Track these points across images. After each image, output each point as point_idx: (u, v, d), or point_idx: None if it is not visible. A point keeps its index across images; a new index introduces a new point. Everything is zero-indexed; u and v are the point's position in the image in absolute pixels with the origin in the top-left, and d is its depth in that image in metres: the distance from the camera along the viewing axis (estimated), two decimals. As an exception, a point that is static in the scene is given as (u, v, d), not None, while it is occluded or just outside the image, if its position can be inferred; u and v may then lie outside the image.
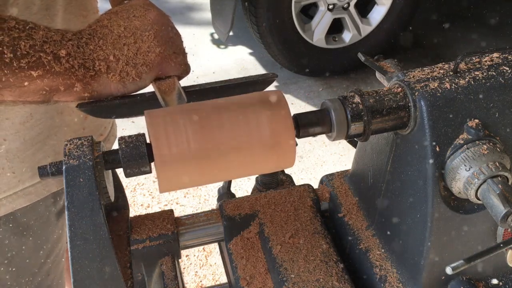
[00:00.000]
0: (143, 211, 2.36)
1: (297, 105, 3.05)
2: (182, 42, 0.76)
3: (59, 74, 0.65)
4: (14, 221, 0.90)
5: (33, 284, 0.98)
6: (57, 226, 0.99)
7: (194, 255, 2.16)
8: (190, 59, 0.76)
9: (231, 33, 3.09)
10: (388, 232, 0.75)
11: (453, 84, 0.63)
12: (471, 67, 0.66)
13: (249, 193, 0.94)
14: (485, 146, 0.61)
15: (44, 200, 0.94)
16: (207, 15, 3.37)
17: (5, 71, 0.62)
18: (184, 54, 0.75)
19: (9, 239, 0.91)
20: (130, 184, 2.48)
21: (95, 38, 0.69)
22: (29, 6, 0.78)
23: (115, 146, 1.12)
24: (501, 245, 0.57)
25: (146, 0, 0.74)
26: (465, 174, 0.60)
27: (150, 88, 0.74)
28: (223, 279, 1.96)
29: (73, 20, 0.87)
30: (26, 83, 0.63)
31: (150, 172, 0.62)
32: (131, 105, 0.72)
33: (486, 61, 0.66)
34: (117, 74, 0.69)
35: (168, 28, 0.73)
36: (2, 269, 0.92)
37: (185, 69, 0.76)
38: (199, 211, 0.86)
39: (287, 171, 0.99)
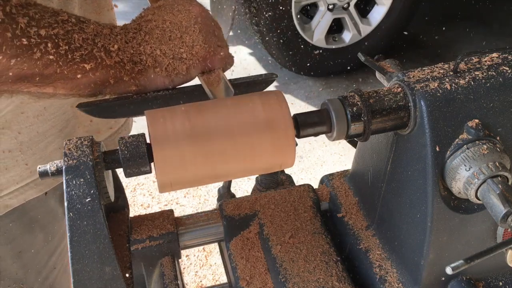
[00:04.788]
0: (143, 211, 2.36)
1: (297, 105, 3.05)
2: (223, 35, 0.76)
3: (110, 68, 0.67)
4: (25, 216, 0.91)
5: (40, 277, 0.99)
6: (64, 221, 1.00)
7: (194, 255, 2.16)
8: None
9: (231, 33, 3.09)
10: (388, 232, 0.75)
11: (453, 84, 0.63)
12: (471, 67, 0.66)
13: (249, 193, 0.94)
14: (485, 146, 0.61)
15: (53, 195, 0.95)
16: (207, 15, 3.36)
17: (60, 63, 0.63)
18: (227, 47, 0.76)
19: (20, 235, 0.92)
20: (130, 184, 2.48)
21: (141, 32, 0.69)
22: (48, 2, 0.77)
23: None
24: (501, 245, 0.57)
25: None
26: (465, 174, 0.60)
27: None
28: (223, 279, 1.96)
29: (87, 16, 0.88)
30: (79, 76, 0.65)
31: (150, 172, 0.62)
32: (131, 105, 0.72)
33: (486, 61, 0.66)
34: (164, 68, 0.70)
35: (211, 22, 0.73)
36: (13, 264, 0.93)
37: (230, 61, 0.76)
38: (199, 211, 0.86)
39: (287, 171, 0.99)
